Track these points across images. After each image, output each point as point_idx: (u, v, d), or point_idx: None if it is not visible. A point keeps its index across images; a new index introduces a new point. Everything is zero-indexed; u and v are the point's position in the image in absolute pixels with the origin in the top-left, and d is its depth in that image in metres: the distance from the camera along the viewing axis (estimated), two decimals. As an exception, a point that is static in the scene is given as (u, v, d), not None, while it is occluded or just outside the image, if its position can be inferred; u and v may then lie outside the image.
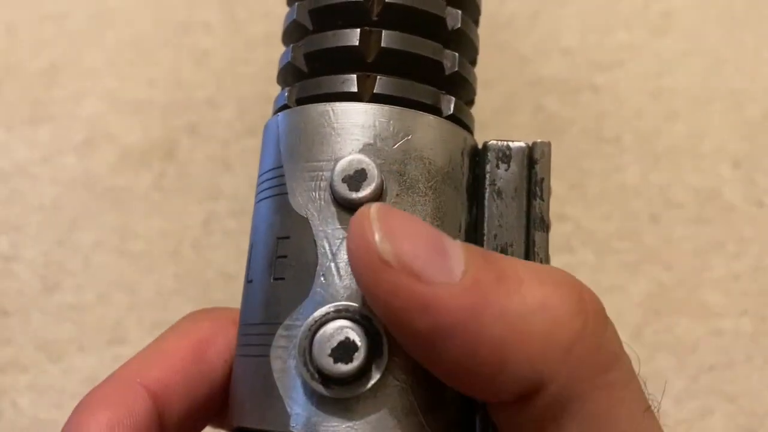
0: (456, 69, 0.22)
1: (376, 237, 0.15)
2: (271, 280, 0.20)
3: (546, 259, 0.22)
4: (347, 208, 0.19)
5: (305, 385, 0.18)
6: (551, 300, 0.16)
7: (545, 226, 0.22)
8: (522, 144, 0.23)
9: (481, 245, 0.21)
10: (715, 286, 0.47)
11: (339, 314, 0.18)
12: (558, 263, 0.49)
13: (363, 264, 0.16)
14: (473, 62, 0.26)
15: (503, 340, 0.15)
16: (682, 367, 0.45)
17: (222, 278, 0.51)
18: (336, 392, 0.17)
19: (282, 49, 0.24)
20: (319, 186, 0.19)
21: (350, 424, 0.17)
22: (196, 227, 0.53)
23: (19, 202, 0.55)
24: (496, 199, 0.21)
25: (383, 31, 0.21)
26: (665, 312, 0.46)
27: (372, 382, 0.17)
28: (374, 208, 0.16)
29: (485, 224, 0.21)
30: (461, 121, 0.23)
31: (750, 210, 0.49)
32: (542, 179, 0.22)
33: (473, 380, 0.16)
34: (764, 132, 0.51)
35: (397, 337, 0.17)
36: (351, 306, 0.18)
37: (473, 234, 0.22)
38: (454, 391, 0.19)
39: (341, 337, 0.17)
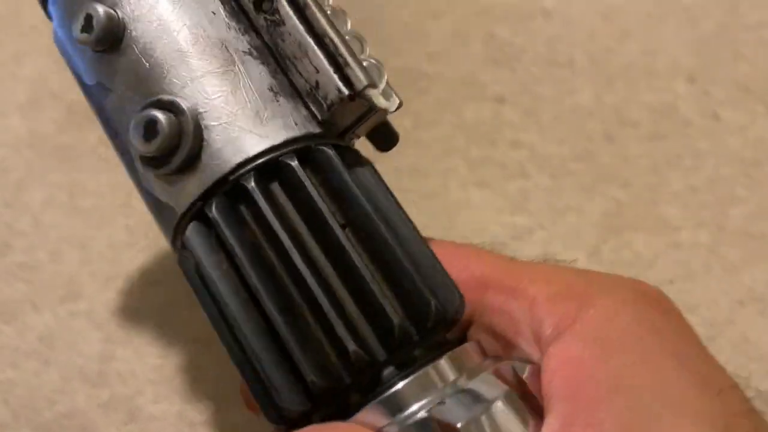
0: None
1: None
2: (116, 140, 0.24)
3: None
4: None
5: (159, 176, 0.21)
6: None
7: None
8: None
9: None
10: (672, 200, 0.48)
11: (147, 106, 0.21)
12: (513, 188, 0.50)
13: None
14: None
15: None
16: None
17: (175, 228, 0.51)
18: (169, 163, 0.21)
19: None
20: None
21: (200, 171, 0.21)
22: (146, 178, 0.54)
23: (-37, 166, 0.55)
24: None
25: None
26: (623, 229, 0.47)
27: (186, 147, 0.20)
28: None
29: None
30: None
31: (706, 123, 0.50)
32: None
33: None
34: (718, 45, 0.52)
35: None
36: (152, 99, 0.21)
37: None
38: None
39: (146, 119, 0.21)
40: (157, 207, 0.22)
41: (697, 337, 0.22)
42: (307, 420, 0.20)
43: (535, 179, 0.49)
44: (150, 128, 0.20)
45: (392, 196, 0.22)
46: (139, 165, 0.22)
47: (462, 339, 0.22)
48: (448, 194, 0.50)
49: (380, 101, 0.22)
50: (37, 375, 0.48)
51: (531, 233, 0.47)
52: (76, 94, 0.60)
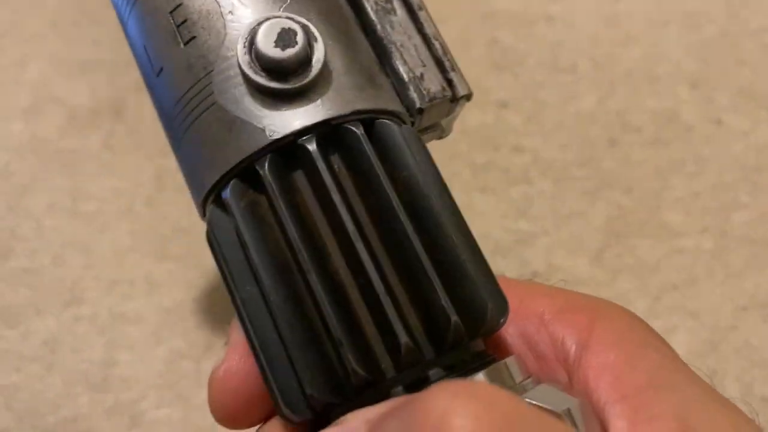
0: None
1: None
2: (182, 47, 0.22)
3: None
4: None
5: (260, 93, 0.20)
6: None
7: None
8: None
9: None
10: (675, 205, 0.48)
11: (274, 17, 0.20)
12: (517, 194, 0.50)
13: None
14: None
15: None
16: (645, 287, 0.46)
17: (177, 233, 0.52)
18: (286, 82, 0.20)
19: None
20: None
21: (314, 103, 0.20)
22: (149, 183, 0.54)
23: (-34, 171, 0.56)
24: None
25: None
26: (626, 234, 0.47)
27: (314, 71, 0.20)
28: None
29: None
30: None
31: (708, 129, 0.50)
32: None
33: None
34: (721, 51, 0.53)
35: None
36: (277, 15, 0.20)
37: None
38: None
39: (282, 26, 0.20)
40: (229, 129, 0.20)
41: None
42: (327, 413, 0.19)
43: (538, 184, 0.49)
44: (287, 36, 0.19)
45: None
46: (230, 75, 0.20)
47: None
48: (451, 199, 0.50)
49: (450, 121, 0.23)
50: (40, 380, 0.48)
51: (534, 238, 0.48)
52: (79, 99, 0.60)
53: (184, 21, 0.21)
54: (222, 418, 0.23)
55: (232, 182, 0.20)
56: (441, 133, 0.24)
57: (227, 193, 0.20)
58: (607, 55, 0.54)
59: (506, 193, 0.50)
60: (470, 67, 0.57)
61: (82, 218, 0.53)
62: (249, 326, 0.20)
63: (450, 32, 0.57)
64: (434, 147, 0.53)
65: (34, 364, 0.49)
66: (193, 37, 0.21)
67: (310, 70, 0.19)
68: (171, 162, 0.55)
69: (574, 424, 0.18)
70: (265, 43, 0.19)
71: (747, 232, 0.47)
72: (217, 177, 0.21)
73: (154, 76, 0.23)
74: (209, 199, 0.22)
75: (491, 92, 0.54)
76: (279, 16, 0.20)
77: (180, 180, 0.55)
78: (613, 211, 0.48)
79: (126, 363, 0.48)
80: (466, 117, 0.56)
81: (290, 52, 0.19)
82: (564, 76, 0.53)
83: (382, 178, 0.19)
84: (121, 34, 0.62)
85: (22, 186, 0.56)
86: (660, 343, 0.22)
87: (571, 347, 0.22)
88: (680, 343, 0.44)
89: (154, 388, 0.47)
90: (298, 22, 0.20)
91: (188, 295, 0.50)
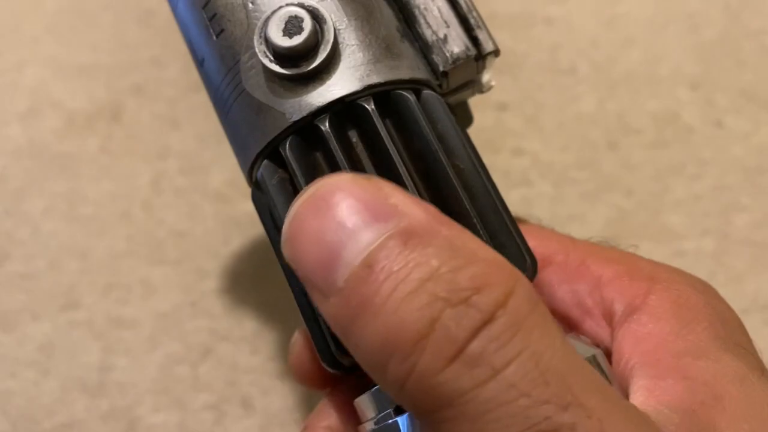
0: None
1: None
2: (215, 39, 0.23)
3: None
4: None
5: (278, 78, 0.21)
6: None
7: None
8: None
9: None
10: (675, 208, 0.48)
11: (286, 5, 0.21)
12: (516, 196, 0.50)
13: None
14: None
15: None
16: (645, 290, 0.45)
17: (174, 237, 0.51)
18: (298, 67, 0.21)
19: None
20: None
21: (327, 83, 0.21)
22: (146, 187, 0.54)
23: (-37, 175, 0.55)
24: None
25: None
26: (626, 237, 0.47)
27: (324, 53, 0.21)
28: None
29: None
30: None
31: (709, 131, 0.50)
32: None
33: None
34: (721, 52, 0.52)
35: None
36: (290, 2, 0.22)
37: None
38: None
39: (290, 14, 0.21)
40: (256, 113, 0.22)
41: (746, 331, 0.23)
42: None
43: (537, 187, 0.49)
44: (294, 24, 0.20)
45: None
46: (252, 64, 0.21)
47: None
48: (450, 202, 0.50)
49: (487, 74, 0.24)
50: (36, 385, 0.48)
51: (534, 241, 0.47)
52: (76, 102, 0.60)
53: (214, 15, 0.23)
54: (299, 379, 0.26)
55: (263, 163, 0.22)
56: (481, 87, 0.25)
57: (260, 174, 0.22)
58: (606, 57, 0.53)
59: (506, 195, 0.49)
60: (469, 69, 0.56)
61: (78, 222, 0.53)
62: (292, 291, 0.22)
63: (449, 35, 0.57)
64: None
65: (30, 370, 0.48)
66: (222, 30, 0.22)
67: (320, 54, 0.21)
68: (168, 165, 0.55)
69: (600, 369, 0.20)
70: (275, 33, 0.21)
71: (748, 235, 0.47)
72: (252, 157, 0.22)
73: (199, 66, 0.25)
74: (252, 173, 0.23)
75: (490, 95, 0.53)
76: (291, 3, 0.21)
77: (177, 183, 0.55)
78: (613, 214, 0.48)
79: (122, 368, 0.48)
80: (465, 120, 0.56)
81: (297, 39, 0.20)
82: (563, 78, 0.53)
83: (391, 151, 0.20)
84: (119, 39, 0.62)
85: (18, 190, 0.55)
86: (715, 319, 0.22)
87: (619, 310, 0.22)
88: (681, 347, 0.44)
89: (150, 393, 0.47)
90: (308, 8, 0.21)
91: (185, 299, 0.49)
